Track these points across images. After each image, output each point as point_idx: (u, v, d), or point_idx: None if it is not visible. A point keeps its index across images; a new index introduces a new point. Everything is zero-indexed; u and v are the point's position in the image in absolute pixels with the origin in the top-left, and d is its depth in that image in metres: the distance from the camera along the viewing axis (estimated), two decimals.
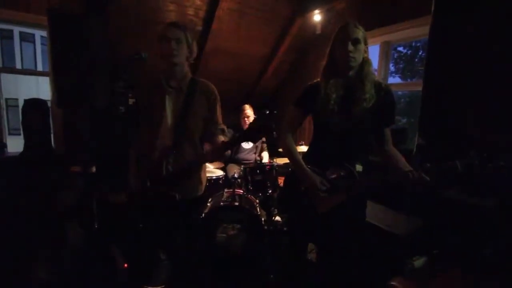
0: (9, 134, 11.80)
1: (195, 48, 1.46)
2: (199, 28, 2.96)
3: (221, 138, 1.48)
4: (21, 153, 1.73)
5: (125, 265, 1.87)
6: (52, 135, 2.25)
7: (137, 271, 1.76)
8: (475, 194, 1.62)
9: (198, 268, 1.98)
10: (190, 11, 2.85)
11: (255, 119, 1.24)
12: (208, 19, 2.91)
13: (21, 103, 1.77)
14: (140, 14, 2.72)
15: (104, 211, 2.07)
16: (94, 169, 2.16)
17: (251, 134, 1.23)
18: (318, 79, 1.36)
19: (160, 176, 1.41)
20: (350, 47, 1.21)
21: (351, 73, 1.27)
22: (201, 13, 2.89)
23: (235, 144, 1.39)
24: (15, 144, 3.03)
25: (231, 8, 2.86)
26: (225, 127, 1.50)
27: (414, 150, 1.99)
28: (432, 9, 1.79)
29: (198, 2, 2.79)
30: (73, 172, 1.99)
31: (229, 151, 3.10)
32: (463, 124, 1.71)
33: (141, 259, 1.66)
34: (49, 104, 2.02)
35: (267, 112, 1.21)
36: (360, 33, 1.23)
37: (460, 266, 1.49)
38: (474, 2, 1.63)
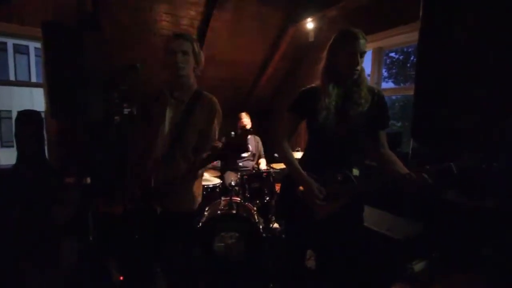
0: (2, 146, 11.67)
1: (202, 59, 1.44)
2: (194, 38, 2.99)
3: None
4: (14, 165, 1.70)
5: (121, 277, 1.83)
6: (46, 147, 2.23)
7: (132, 284, 1.72)
8: (473, 196, 1.63)
9: (196, 278, 1.94)
10: (185, 21, 2.89)
11: (231, 139, 1.18)
12: (203, 29, 2.95)
13: (14, 115, 1.74)
14: (134, 25, 2.73)
15: (99, 223, 2.03)
16: (88, 180, 2.14)
17: (226, 152, 1.20)
18: (313, 84, 1.37)
19: (149, 187, 1.37)
20: (359, 60, 1.22)
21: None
22: (196, 23, 2.92)
23: (209, 162, 1.33)
24: (8, 156, 2.99)
25: (225, 18, 2.90)
26: (219, 145, 1.29)
27: (410, 153, 2.00)
28: (421, 14, 1.84)
29: (193, 13, 2.83)
30: (67, 183, 1.96)
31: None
32: (455, 126, 1.73)
33: (136, 271, 1.63)
34: (43, 115, 2.00)
35: (251, 129, 1.21)
36: (366, 44, 1.24)
37: (460, 269, 1.48)
38: (461, 6, 1.68)
